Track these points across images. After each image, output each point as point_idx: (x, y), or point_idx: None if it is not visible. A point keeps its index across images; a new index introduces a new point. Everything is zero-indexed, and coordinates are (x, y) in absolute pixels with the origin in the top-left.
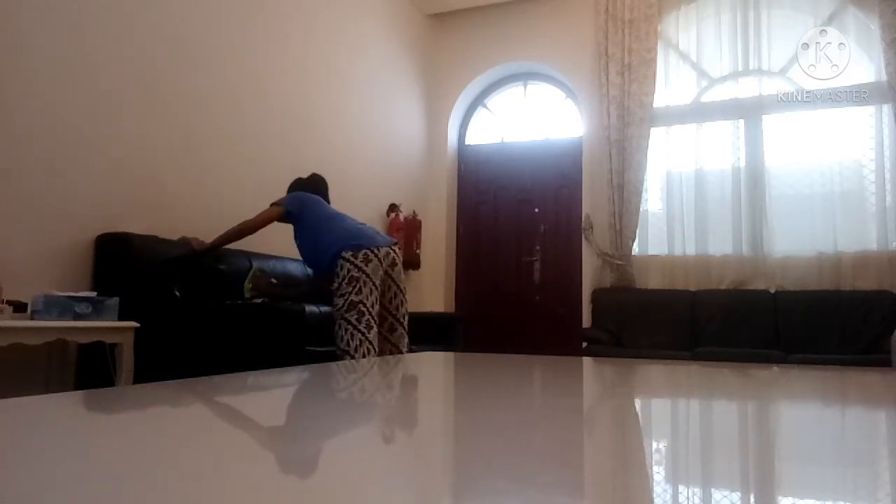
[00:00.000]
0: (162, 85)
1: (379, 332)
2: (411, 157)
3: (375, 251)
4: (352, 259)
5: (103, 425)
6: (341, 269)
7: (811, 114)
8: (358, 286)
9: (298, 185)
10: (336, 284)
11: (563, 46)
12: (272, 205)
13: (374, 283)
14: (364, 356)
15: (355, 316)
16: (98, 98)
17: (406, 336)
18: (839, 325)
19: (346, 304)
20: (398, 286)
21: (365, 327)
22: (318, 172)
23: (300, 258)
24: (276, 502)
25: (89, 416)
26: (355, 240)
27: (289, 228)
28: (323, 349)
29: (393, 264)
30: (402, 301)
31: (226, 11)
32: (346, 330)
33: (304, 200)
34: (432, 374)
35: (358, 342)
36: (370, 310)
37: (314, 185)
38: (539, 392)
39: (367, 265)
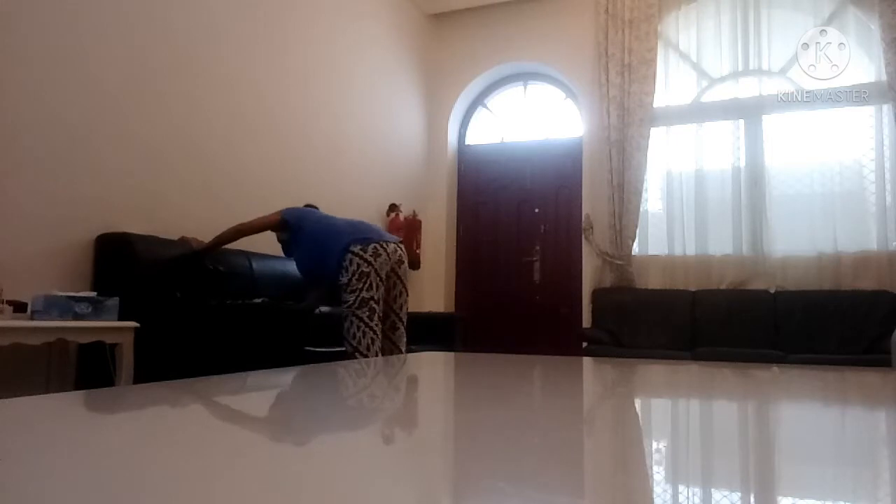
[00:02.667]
0: (162, 85)
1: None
2: (411, 157)
3: (384, 246)
4: (361, 253)
5: (103, 425)
6: (350, 263)
7: (811, 114)
8: (368, 281)
9: None
10: (345, 280)
11: (563, 46)
12: (261, 218)
13: (380, 279)
14: (376, 354)
15: (367, 313)
16: (98, 99)
17: (405, 335)
18: (839, 325)
19: (357, 301)
20: (403, 284)
21: (376, 324)
22: (312, 203)
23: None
24: (275, 502)
25: (89, 416)
26: (363, 233)
27: None
28: (322, 349)
29: (400, 262)
30: (405, 300)
31: (226, 11)
32: (359, 327)
33: (302, 212)
34: (432, 374)
35: (370, 340)
36: (379, 306)
37: (305, 207)
38: (539, 392)
39: (375, 260)
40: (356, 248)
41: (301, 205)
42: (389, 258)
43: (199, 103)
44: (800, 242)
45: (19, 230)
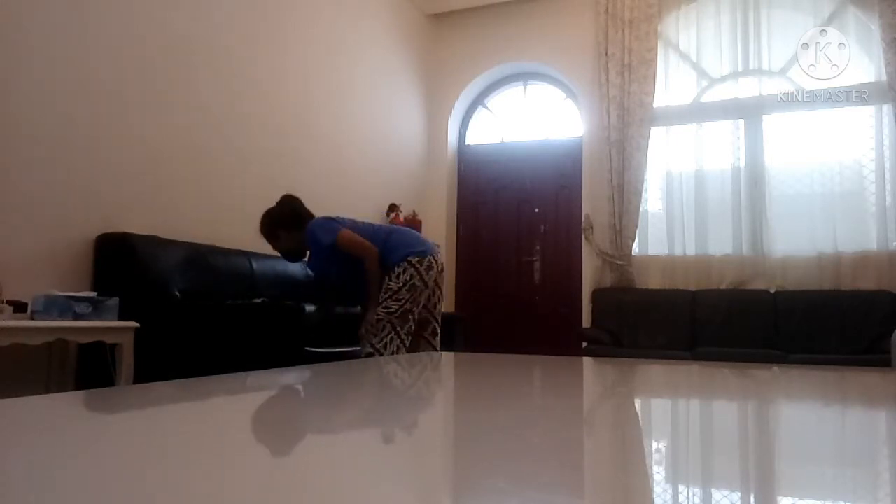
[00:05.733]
0: (162, 85)
1: (422, 336)
2: (411, 157)
3: (434, 259)
4: (417, 265)
5: (103, 425)
6: (404, 272)
7: (811, 114)
8: (414, 296)
9: (291, 215)
10: (395, 286)
11: (563, 46)
12: (357, 244)
13: (429, 291)
14: None
15: (401, 323)
16: (99, 98)
17: (439, 337)
18: (839, 325)
19: (399, 311)
20: (441, 290)
21: (406, 334)
22: (290, 193)
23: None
24: (275, 502)
25: (89, 416)
26: (419, 246)
27: None
28: (322, 350)
29: (441, 270)
30: (441, 304)
31: (227, 11)
32: (388, 333)
33: (359, 227)
34: (432, 374)
35: (395, 348)
36: (416, 318)
37: (300, 209)
38: (539, 392)
39: (428, 273)
40: (413, 259)
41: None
42: (436, 270)
43: (199, 103)
44: (800, 242)
45: (19, 230)
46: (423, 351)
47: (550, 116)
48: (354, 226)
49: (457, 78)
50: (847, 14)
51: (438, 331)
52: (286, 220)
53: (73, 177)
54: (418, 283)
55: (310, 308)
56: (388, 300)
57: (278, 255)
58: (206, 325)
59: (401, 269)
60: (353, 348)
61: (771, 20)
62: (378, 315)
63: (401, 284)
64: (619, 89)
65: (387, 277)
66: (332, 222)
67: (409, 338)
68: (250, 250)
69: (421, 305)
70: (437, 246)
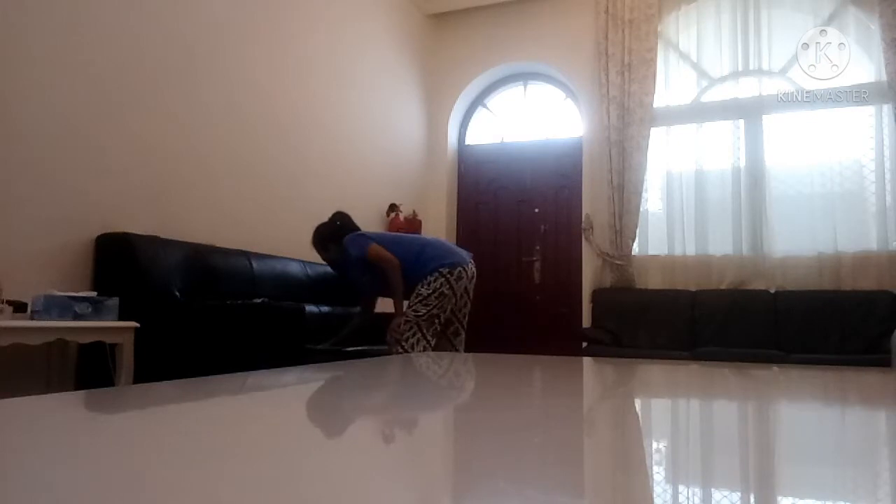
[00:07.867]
0: (162, 85)
1: (444, 335)
2: (411, 157)
3: (465, 268)
4: (447, 275)
5: (103, 425)
6: (435, 280)
7: (811, 114)
8: (442, 302)
9: (337, 229)
10: (425, 293)
11: (563, 46)
12: (382, 258)
13: (456, 298)
14: None
15: (427, 325)
16: (98, 98)
17: (464, 340)
18: (839, 325)
19: (426, 314)
20: (470, 297)
21: (431, 335)
22: (341, 210)
23: (309, 264)
24: (275, 501)
25: (89, 416)
26: (451, 258)
27: (291, 232)
28: (322, 347)
29: (472, 278)
30: (469, 309)
31: (227, 11)
32: (415, 335)
33: (384, 239)
34: (432, 374)
35: (422, 347)
36: (441, 321)
37: (344, 225)
38: (539, 392)
39: (457, 282)
40: (444, 270)
41: (327, 216)
42: (467, 278)
43: (199, 103)
44: (800, 242)
45: (19, 230)
46: (444, 349)
47: (550, 116)
48: (382, 239)
49: (457, 78)
50: (847, 14)
51: (461, 332)
52: (333, 234)
53: (73, 177)
54: (447, 292)
55: (311, 308)
56: (418, 304)
57: (281, 256)
58: (207, 325)
59: (432, 279)
60: (381, 347)
61: (771, 20)
62: (406, 317)
63: (430, 291)
64: (619, 89)
65: (419, 285)
66: (363, 238)
67: (434, 339)
68: (250, 250)
69: (448, 311)
70: (471, 255)
